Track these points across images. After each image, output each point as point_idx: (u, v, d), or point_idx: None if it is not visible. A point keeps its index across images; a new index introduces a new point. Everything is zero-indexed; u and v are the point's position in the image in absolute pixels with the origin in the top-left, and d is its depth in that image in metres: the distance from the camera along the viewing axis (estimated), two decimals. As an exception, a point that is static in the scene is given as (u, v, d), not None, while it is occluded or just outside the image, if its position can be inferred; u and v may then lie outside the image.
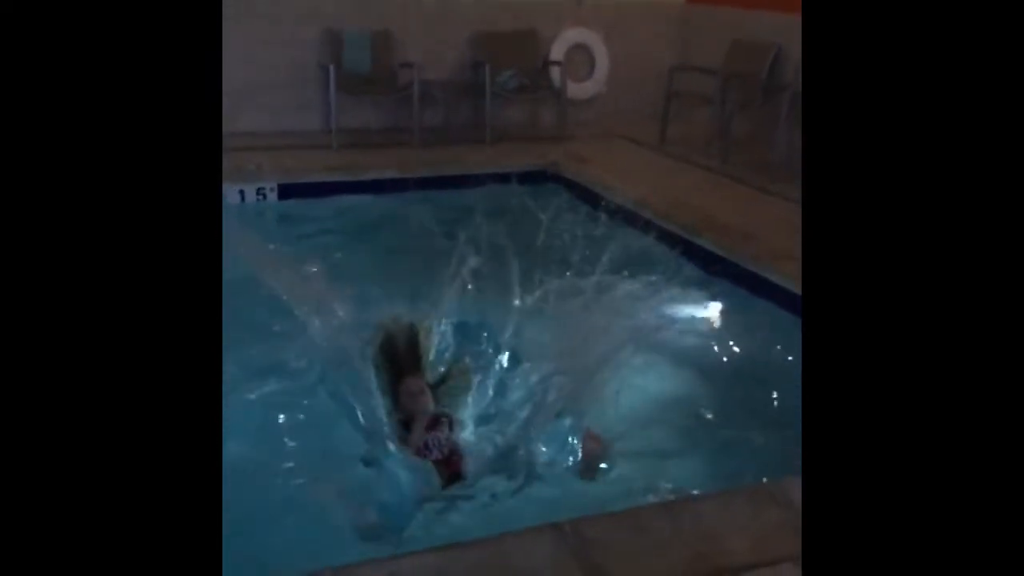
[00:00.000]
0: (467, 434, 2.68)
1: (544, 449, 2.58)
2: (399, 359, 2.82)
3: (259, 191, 5.35)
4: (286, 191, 5.40)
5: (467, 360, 3.00)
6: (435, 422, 2.62)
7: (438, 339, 3.06)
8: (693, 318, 3.90)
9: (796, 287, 3.69)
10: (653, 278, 4.27)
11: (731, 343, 3.63)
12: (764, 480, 2.40)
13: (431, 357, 2.96)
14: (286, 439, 2.70)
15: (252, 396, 2.77)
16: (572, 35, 7.29)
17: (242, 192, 5.30)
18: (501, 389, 2.93)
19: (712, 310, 3.93)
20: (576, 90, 7.27)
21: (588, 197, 5.54)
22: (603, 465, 2.63)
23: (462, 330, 3.18)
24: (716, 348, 3.61)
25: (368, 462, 2.56)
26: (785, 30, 5.95)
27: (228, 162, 5.52)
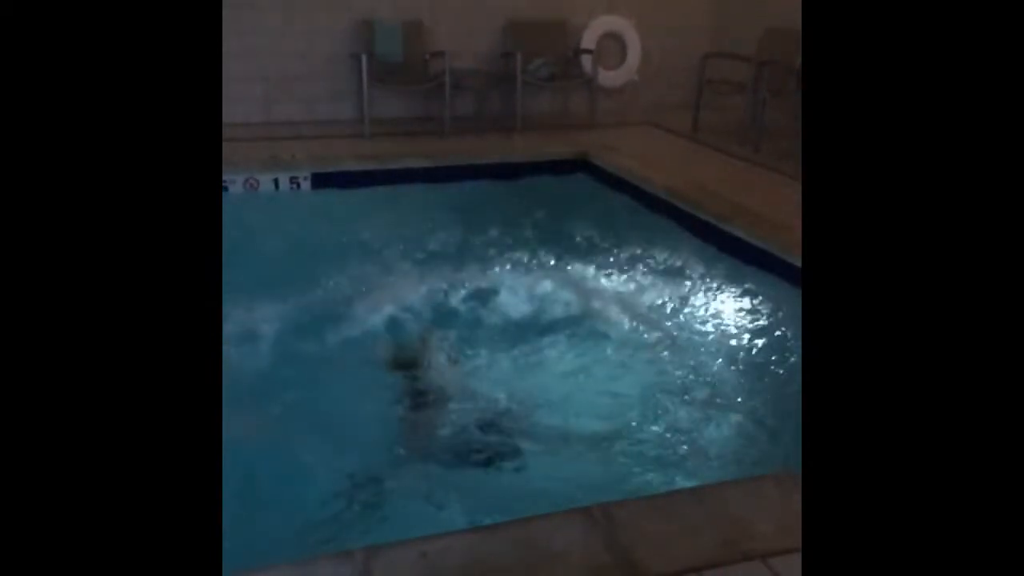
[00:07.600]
0: None
1: None
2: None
3: (293, 180, 5.43)
4: (319, 180, 5.47)
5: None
6: None
7: None
8: (724, 306, 3.90)
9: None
10: (681, 267, 4.28)
11: (763, 331, 3.62)
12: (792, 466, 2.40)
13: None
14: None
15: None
16: (603, 23, 7.25)
17: (276, 180, 5.39)
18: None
19: (744, 300, 3.91)
20: (607, 78, 7.24)
21: (619, 186, 5.53)
22: None
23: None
24: (747, 336, 3.60)
25: None
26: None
27: (263, 151, 5.62)
